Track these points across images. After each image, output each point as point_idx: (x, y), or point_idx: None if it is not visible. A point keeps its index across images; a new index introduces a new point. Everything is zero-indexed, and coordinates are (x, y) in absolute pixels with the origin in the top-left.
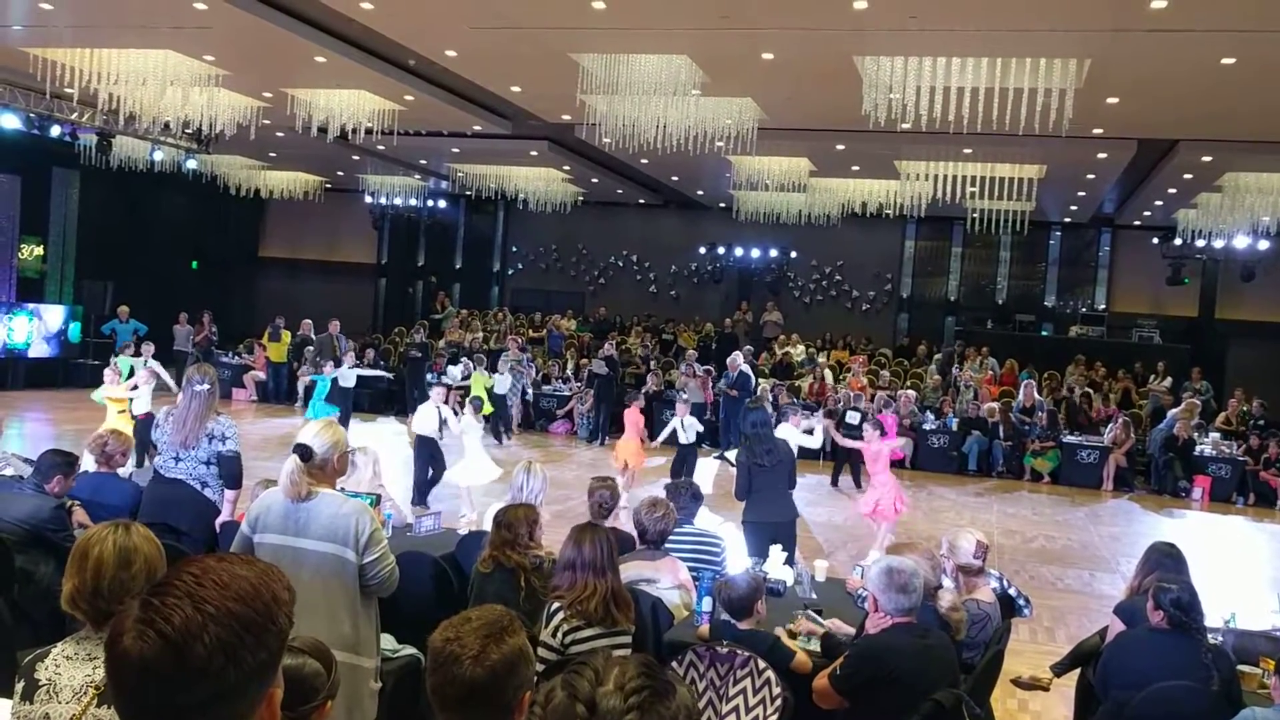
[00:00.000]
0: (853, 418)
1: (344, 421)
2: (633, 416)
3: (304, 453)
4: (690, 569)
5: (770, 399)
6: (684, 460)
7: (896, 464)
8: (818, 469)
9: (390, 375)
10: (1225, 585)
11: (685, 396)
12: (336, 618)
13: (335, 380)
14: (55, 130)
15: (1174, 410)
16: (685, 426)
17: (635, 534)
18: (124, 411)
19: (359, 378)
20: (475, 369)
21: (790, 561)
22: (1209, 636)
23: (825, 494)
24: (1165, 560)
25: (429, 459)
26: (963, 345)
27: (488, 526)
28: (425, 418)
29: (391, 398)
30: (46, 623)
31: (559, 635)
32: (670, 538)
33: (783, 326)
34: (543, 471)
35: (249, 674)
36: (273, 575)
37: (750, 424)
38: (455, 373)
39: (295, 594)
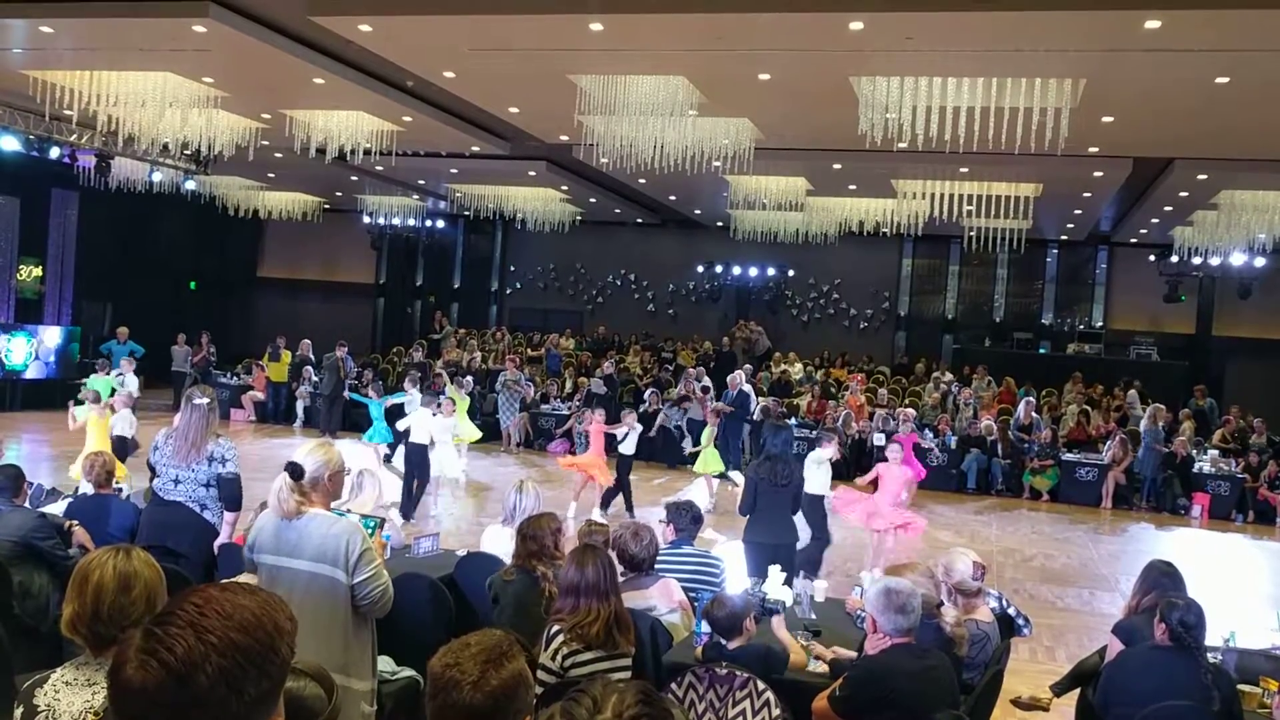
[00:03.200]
0: (878, 439)
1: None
2: (596, 429)
3: (294, 471)
4: (689, 590)
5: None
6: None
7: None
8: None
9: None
10: (1225, 603)
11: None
12: (327, 639)
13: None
14: (54, 152)
15: (1144, 425)
16: (624, 437)
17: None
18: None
19: (353, 399)
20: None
21: (789, 583)
22: (1209, 655)
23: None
24: (1163, 579)
25: (417, 467)
26: (945, 364)
27: (486, 548)
28: (419, 425)
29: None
30: (49, 637)
31: (558, 659)
32: (670, 559)
33: (765, 338)
34: (535, 490)
35: (251, 704)
36: (275, 605)
37: (778, 443)
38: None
39: (297, 623)
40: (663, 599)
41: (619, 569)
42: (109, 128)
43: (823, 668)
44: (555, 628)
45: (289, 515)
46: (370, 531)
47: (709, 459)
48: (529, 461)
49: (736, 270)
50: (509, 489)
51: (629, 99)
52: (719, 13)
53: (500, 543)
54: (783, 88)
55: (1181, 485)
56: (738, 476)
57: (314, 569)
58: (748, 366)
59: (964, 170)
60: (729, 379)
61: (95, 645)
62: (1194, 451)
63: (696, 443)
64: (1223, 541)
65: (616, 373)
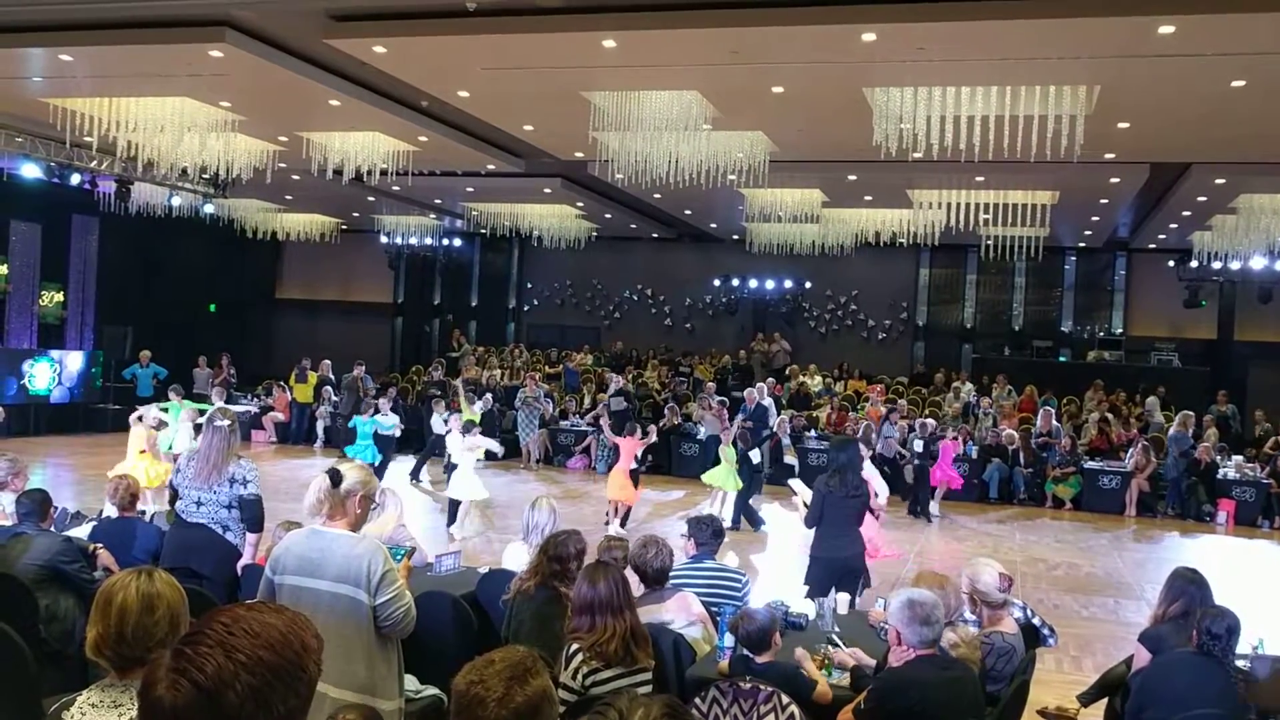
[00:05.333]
0: (917, 445)
1: (383, 466)
2: (628, 447)
3: (334, 476)
4: (711, 605)
5: (787, 429)
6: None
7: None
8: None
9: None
10: (1253, 610)
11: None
12: (350, 659)
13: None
14: (75, 178)
15: (1172, 431)
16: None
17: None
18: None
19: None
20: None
21: (860, 590)
22: (1239, 663)
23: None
24: (1189, 587)
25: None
26: (965, 374)
27: (508, 565)
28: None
29: (409, 438)
30: (76, 660)
31: (579, 677)
32: (690, 573)
33: (791, 354)
34: (552, 506)
35: None
36: (301, 623)
37: (847, 457)
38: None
39: (324, 641)
40: (680, 612)
41: (636, 584)
42: (128, 153)
43: (844, 679)
44: (574, 647)
45: (317, 513)
46: (398, 559)
47: (724, 475)
48: (548, 478)
49: (753, 283)
50: (526, 506)
51: (643, 114)
52: (732, 27)
53: (521, 560)
54: (796, 100)
55: (1206, 492)
56: (797, 485)
57: (335, 589)
58: (770, 380)
59: (980, 179)
60: (747, 393)
61: (120, 667)
62: (1218, 457)
63: (710, 459)
64: (1249, 548)
65: (635, 388)
